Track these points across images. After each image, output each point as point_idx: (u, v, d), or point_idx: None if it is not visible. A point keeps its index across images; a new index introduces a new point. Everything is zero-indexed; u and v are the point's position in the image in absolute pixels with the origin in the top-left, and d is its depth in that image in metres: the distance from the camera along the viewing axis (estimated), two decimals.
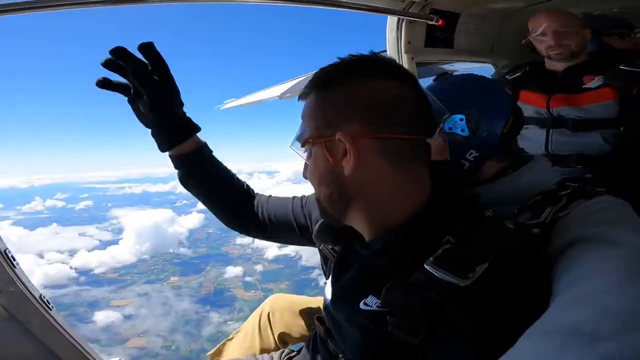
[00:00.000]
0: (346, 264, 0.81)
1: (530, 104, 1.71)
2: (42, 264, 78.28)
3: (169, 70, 0.90)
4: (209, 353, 1.51)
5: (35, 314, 1.13)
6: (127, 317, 49.17)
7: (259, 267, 62.94)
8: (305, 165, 0.77)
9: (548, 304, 0.52)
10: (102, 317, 48.21)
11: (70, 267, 76.77)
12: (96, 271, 75.42)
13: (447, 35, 1.97)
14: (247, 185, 1.16)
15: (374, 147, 0.66)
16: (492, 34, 2.21)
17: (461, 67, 2.30)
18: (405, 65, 1.86)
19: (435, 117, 0.73)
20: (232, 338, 1.54)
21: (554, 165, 1.48)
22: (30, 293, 1.11)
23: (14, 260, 1.10)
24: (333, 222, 0.79)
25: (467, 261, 0.56)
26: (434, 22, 1.80)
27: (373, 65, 0.69)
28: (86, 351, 1.26)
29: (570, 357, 0.35)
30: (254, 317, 1.53)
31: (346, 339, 0.76)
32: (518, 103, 1.66)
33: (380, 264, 0.69)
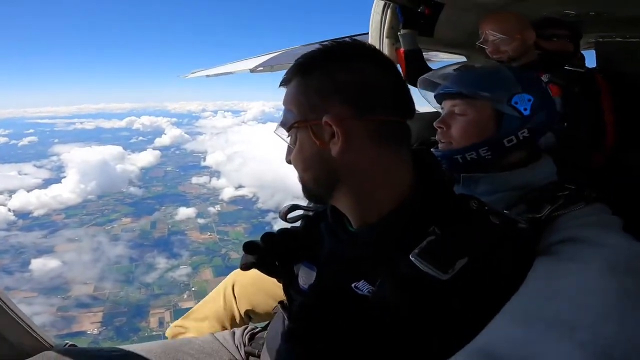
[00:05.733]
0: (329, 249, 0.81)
1: None
2: None
3: None
4: (168, 331, 1.52)
5: None
6: (66, 264, 45.50)
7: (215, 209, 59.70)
8: (288, 149, 0.77)
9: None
10: (39, 265, 44.22)
11: (9, 210, 69.85)
12: (35, 213, 69.27)
13: (430, 24, 2.03)
14: None
15: (360, 128, 0.67)
16: (470, 27, 2.10)
17: (435, 58, 2.56)
18: (386, 50, 2.02)
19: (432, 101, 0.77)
20: (192, 313, 1.54)
21: None
22: None
23: None
24: (316, 203, 0.82)
25: (448, 255, 0.58)
26: (420, 10, 1.87)
27: (354, 51, 0.71)
28: (29, 327, 1.33)
29: (551, 343, 0.36)
30: (217, 292, 1.54)
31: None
32: None
33: (367, 252, 0.71)
